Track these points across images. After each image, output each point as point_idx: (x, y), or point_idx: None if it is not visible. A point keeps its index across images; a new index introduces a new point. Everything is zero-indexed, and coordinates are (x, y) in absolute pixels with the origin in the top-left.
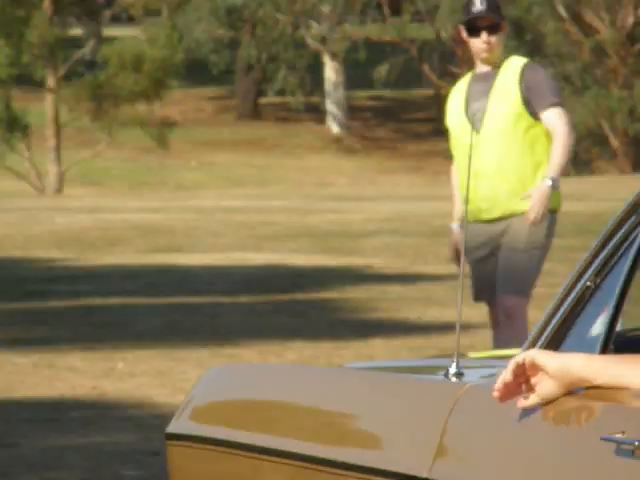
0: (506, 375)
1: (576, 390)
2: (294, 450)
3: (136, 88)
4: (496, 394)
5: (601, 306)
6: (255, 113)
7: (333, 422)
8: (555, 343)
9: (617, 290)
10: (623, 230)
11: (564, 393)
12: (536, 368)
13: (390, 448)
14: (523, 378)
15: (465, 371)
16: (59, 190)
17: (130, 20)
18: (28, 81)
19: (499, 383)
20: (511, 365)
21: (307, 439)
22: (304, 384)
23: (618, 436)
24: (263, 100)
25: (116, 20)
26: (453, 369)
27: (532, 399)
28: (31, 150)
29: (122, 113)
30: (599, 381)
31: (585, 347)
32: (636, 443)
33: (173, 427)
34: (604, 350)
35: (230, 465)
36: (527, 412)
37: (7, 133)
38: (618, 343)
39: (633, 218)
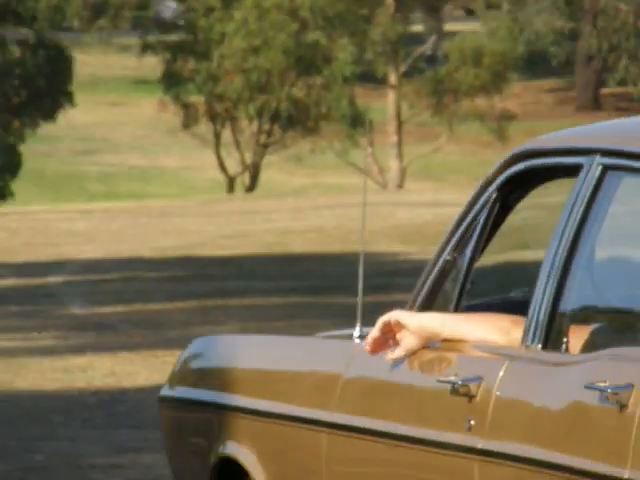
0: (374, 332)
1: (432, 343)
2: (260, 408)
3: (476, 82)
4: (367, 348)
5: (458, 276)
6: (595, 104)
7: (279, 380)
8: (425, 306)
9: (467, 262)
10: (475, 209)
11: (423, 346)
12: (400, 326)
13: (305, 394)
14: (390, 334)
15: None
16: (400, 185)
17: (469, 14)
18: (370, 78)
19: (369, 339)
20: (379, 324)
21: (267, 397)
22: (268, 351)
23: (452, 378)
24: (604, 91)
25: (456, 15)
26: (357, 333)
27: (398, 352)
28: (373, 146)
29: (462, 107)
30: (445, 335)
31: (445, 310)
32: (460, 382)
33: (164, 391)
34: (456, 312)
35: (206, 420)
36: (396, 361)
37: (351, 129)
38: (467, 307)
39: (483, 197)
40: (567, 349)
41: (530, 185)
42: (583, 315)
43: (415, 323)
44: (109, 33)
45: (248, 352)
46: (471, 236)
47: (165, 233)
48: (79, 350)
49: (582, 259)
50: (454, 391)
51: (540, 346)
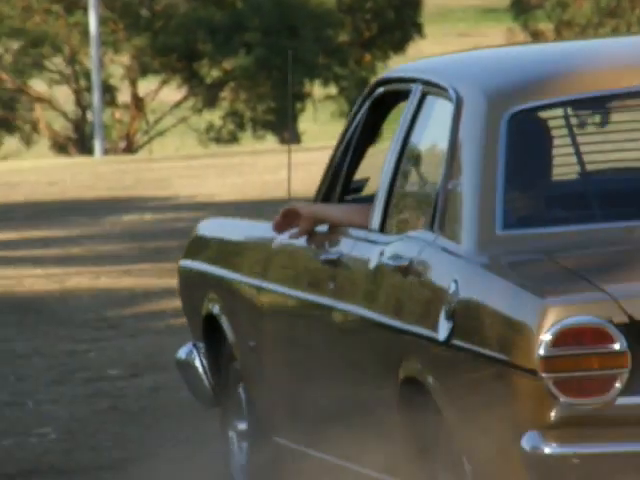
0: (278, 218)
1: (321, 226)
2: (224, 275)
3: None
4: (274, 229)
5: (343, 178)
6: None
7: (239, 253)
8: (321, 200)
9: (347, 167)
10: (353, 124)
11: (312, 228)
12: (297, 213)
13: (252, 264)
14: (290, 220)
15: None
16: None
17: None
18: None
19: (274, 222)
20: (282, 211)
21: (230, 267)
22: (236, 231)
23: (324, 253)
24: None
25: None
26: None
27: (294, 233)
28: None
29: None
30: (327, 221)
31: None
32: (327, 256)
33: (181, 262)
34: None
35: (199, 284)
36: (292, 238)
37: None
38: (350, 200)
39: (358, 114)
40: (390, 231)
41: (389, 106)
42: (403, 206)
43: (307, 212)
44: None
45: (227, 232)
46: (351, 146)
47: None
48: None
49: (409, 161)
50: (324, 262)
51: (378, 228)
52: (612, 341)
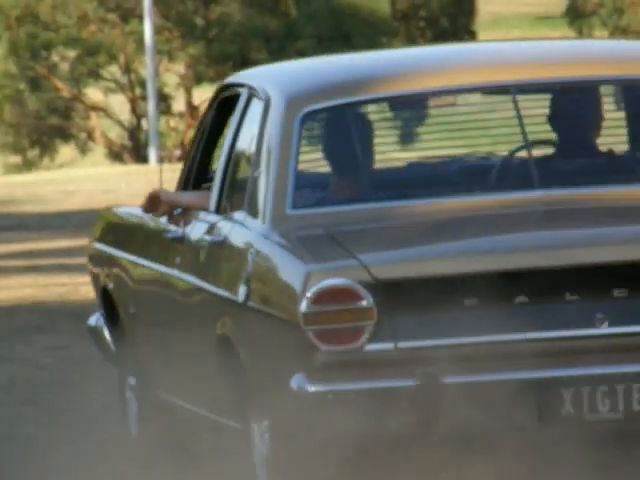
0: (145, 201)
1: (176, 210)
2: (113, 254)
3: None
4: (142, 210)
5: (196, 169)
6: None
7: (130, 235)
8: (181, 189)
9: (199, 161)
10: (204, 122)
11: (169, 211)
12: (159, 198)
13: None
14: (154, 204)
15: None
16: None
17: None
18: None
19: (142, 205)
20: (147, 196)
21: (120, 247)
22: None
23: (173, 231)
24: None
25: None
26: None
27: (155, 213)
28: None
29: None
30: (181, 205)
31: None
32: (175, 234)
33: (90, 242)
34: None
35: (100, 262)
36: (155, 217)
37: None
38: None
39: (209, 113)
40: (222, 212)
41: (230, 106)
42: (230, 190)
43: (165, 197)
44: None
45: (121, 217)
46: (202, 142)
47: None
48: None
49: (236, 153)
50: (173, 240)
51: (214, 210)
52: (361, 299)
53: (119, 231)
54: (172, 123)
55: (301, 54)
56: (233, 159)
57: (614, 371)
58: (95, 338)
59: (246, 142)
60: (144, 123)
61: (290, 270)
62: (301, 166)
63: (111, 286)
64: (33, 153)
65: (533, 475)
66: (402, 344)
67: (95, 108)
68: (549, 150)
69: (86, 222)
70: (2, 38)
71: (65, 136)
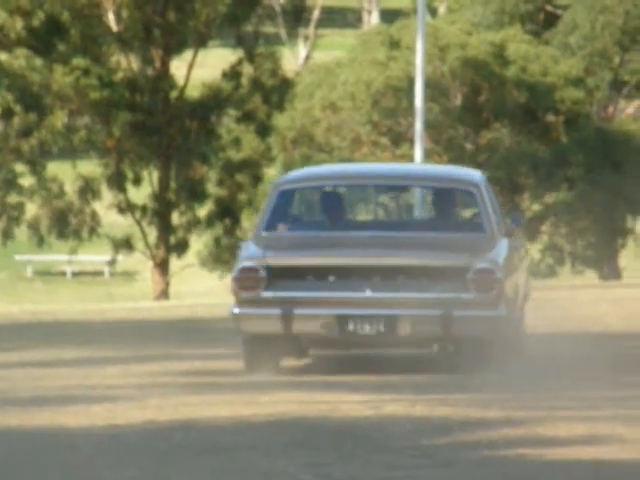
0: None
1: None
2: None
3: None
4: None
5: None
6: None
7: None
8: None
9: None
10: None
11: None
12: None
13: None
14: None
15: None
16: None
17: None
18: None
19: None
20: None
21: None
22: None
23: None
24: None
25: None
26: None
27: None
28: None
29: None
30: None
31: None
32: None
33: None
34: None
35: None
36: None
37: None
38: None
39: None
40: None
41: None
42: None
43: None
44: None
45: None
46: None
47: None
48: None
49: None
50: None
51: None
52: (259, 272)
53: None
54: None
55: (570, 181)
56: None
57: (372, 312)
58: None
59: None
60: None
61: (240, 256)
62: (274, 216)
63: None
64: None
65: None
66: (276, 294)
67: None
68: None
69: None
70: (277, 159)
71: None
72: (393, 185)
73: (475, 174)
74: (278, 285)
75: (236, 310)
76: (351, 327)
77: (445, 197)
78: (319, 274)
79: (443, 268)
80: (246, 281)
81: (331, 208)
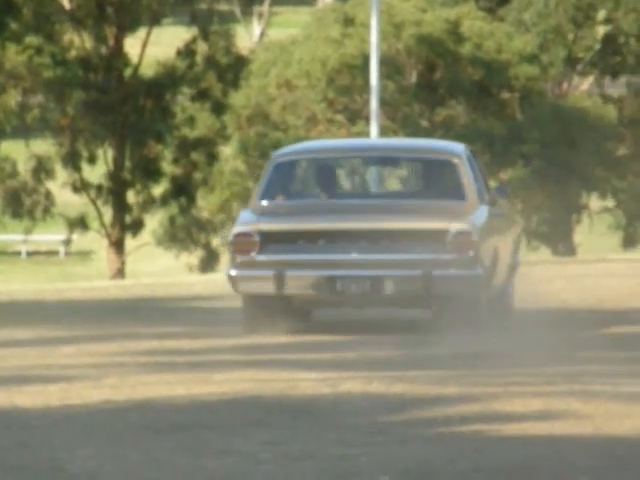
0: None
1: None
2: None
3: None
4: None
5: None
6: None
7: None
8: None
9: None
10: None
11: None
12: None
13: None
14: None
15: None
16: None
17: None
18: None
19: None
20: None
21: None
22: None
23: None
24: None
25: None
26: None
27: None
28: None
29: None
30: None
31: None
32: None
33: None
34: None
35: None
36: None
37: None
38: None
39: None
40: None
41: None
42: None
43: None
44: None
45: None
46: None
47: None
48: None
49: None
50: None
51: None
52: (253, 237)
53: None
54: None
55: (525, 157)
56: None
57: (359, 273)
58: None
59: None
60: None
61: (236, 222)
62: (270, 187)
63: None
64: None
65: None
66: (269, 257)
67: None
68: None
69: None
70: (233, 137)
71: None
72: (381, 157)
73: (458, 147)
74: (271, 249)
75: (232, 272)
76: (339, 287)
77: (429, 168)
78: (309, 238)
79: (424, 231)
80: (241, 245)
81: (323, 179)
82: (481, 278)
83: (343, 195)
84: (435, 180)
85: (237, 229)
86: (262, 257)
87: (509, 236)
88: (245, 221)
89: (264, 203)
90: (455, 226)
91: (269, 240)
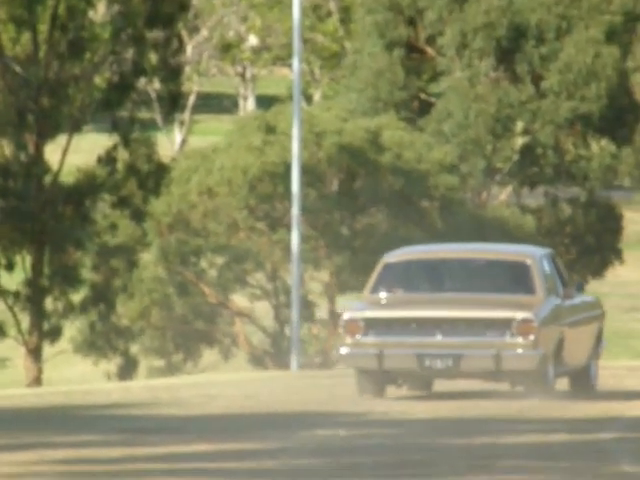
0: None
1: None
2: None
3: None
4: None
5: None
6: None
7: None
8: None
9: None
10: None
11: None
12: None
13: None
14: None
15: None
16: None
17: None
18: None
19: None
20: None
21: None
22: None
23: None
24: None
25: None
26: None
27: None
28: None
29: None
30: None
31: None
32: None
33: None
34: None
35: None
36: None
37: None
38: None
39: None
40: None
41: None
42: None
43: None
44: None
45: None
46: None
47: None
48: None
49: None
50: None
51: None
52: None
53: None
54: (314, 330)
55: None
56: None
57: (443, 352)
58: None
59: None
60: (286, 329)
61: (347, 310)
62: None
63: None
64: (177, 357)
65: None
66: (372, 339)
67: (240, 314)
68: None
69: (227, 427)
70: (153, 244)
71: (210, 341)
72: (467, 259)
73: (536, 251)
74: (373, 332)
75: (342, 350)
76: (427, 363)
77: (508, 267)
78: (403, 324)
79: (496, 319)
80: (350, 328)
81: (417, 277)
82: (542, 357)
83: (430, 289)
84: (511, 277)
85: (347, 315)
86: (366, 339)
87: (585, 323)
88: (354, 309)
89: (370, 296)
90: (520, 315)
91: (371, 325)
